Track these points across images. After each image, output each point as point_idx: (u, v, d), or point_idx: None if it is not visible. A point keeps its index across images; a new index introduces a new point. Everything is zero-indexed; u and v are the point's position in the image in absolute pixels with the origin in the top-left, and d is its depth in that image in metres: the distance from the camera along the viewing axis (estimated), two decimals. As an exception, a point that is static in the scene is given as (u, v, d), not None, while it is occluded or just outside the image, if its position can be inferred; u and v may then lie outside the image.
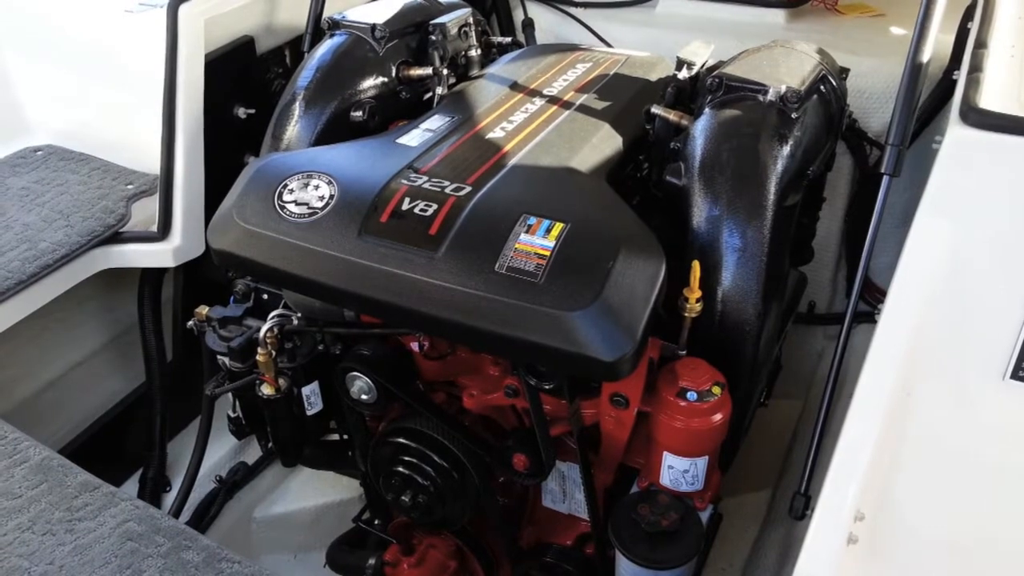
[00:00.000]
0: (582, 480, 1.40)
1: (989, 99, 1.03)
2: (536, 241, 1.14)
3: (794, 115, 1.29)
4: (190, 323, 1.54)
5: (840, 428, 1.05)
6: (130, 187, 1.78)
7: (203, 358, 1.59)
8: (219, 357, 1.50)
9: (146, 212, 1.76)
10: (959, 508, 1.06)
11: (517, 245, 1.14)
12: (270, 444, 1.57)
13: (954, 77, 1.43)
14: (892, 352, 1.06)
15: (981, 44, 1.18)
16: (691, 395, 1.22)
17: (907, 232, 1.08)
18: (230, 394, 1.54)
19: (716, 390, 1.23)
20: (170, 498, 1.88)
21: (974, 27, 1.30)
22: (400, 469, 1.45)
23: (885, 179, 1.19)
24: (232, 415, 1.59)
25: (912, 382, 1.06)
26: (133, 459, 1.92)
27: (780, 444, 1.92)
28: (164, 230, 1.73)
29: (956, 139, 1.02)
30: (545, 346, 1.10)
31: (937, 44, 1.20)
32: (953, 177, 1.05)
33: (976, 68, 1.11)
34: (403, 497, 1.45)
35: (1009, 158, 1.01)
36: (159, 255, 1.74)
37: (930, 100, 1.80)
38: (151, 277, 1.83)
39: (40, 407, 1.81)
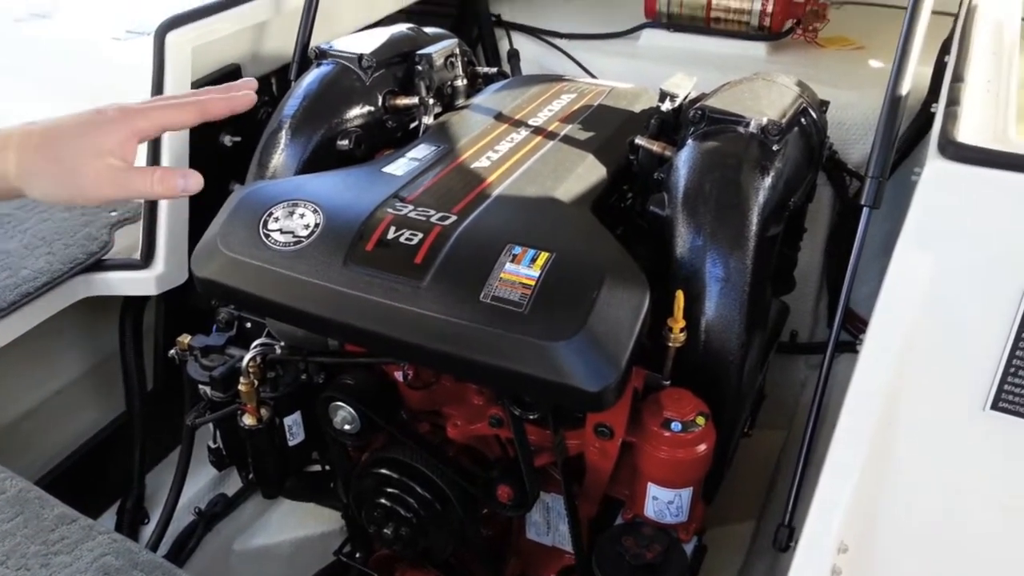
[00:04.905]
0: (566, 512, 1.39)
1: (967, 132, 1.05)
2: (521, 271, 1.14)
3: (775, 147, 1.30)
4: (172, 352, 1.52)
5: (823, 458, 1.05)
6: (114, 214, 1.78)
7: (184, 388, 1.57)
8: (200, 387, 1.48)
9: (130, 239, 1.76)
10: (942, 540, 1.06)
11: (502, 275, 1.14)
12: (251, 475, 1.55)
13: (932, 110, 1.46)
14: (874, 382, 1.07)
15: (958, 78, 1.21)
16: (675, 425, 1.22)
17: (888, 262, 1.09)
18: (211, 424, 1.52)
19: (700, 420, 1.23)
20: (148, 530, 1.85)
21: (951, 61, 1.32)
22: (383, 500, 1.44)
23: (865, 210, 1.20)
24: (212, 446, 1.57)
25: (894, 412, 1.07)
26: (111, 491, 1.89)
27: (764, 474, 1.92)
28: (147, 258, 1.72)
29: (935, 172, 1.03)
30: (530, 376, 1.09)
31: (916, 76, 1.22)
32: (932, 209, 1.06)
33: (954, 102, 1.13)
34: (385, 529, 1.43)
35: (987, 190, 1.02)
36: (141, 283, 1.73)
37: (909, 132, 1.83)
38: (133, 305, 1.81)
39: (17, 437, 1.78)
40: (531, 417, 1.26)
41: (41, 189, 0.93)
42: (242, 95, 1.00)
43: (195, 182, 0.94)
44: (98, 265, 1.70)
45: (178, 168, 0.94)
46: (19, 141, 0.92)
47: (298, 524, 1.98)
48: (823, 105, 1.53)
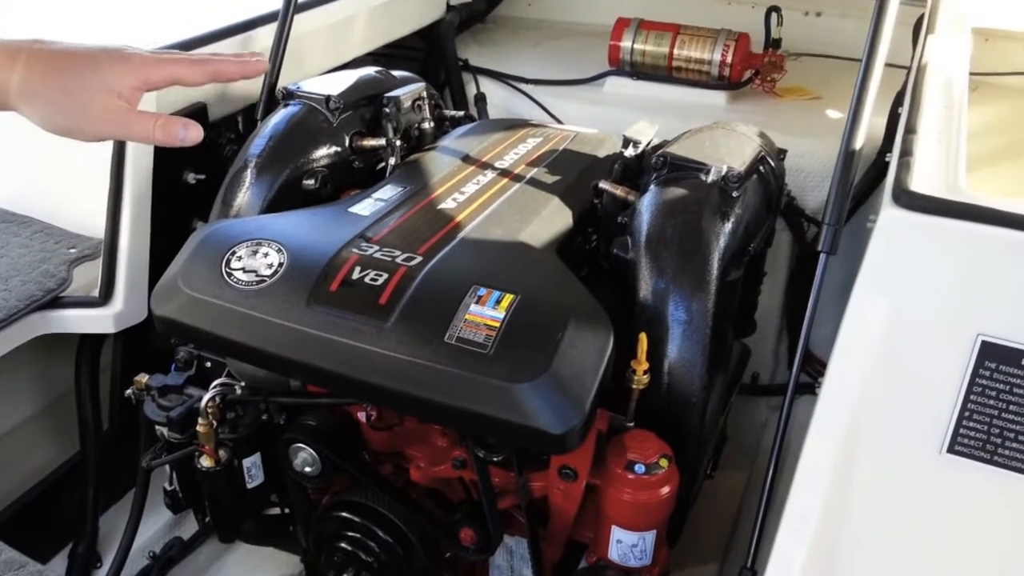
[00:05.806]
0: (530, 555, 1.38)
1: (919, 182, 1.09)
2: (486, 312, 1.15)
3: (735, 194, 1.33)
4: (128, 391, 1.49)
5: (785, 500, 1.06)
6: (73, 251, 1.75)
7: (141, 428, 1.54)
8: (157, 427, 1.45)
9: (89, 276, 1.73)
10: (901, 582, 1.07)
11: (467, 316, 1.14)
12: (207, 518, 1.52)
13: (887, 159, 1.50)
14: (833, 426, 1.08)
15: (911, 130, 1.25)
16: (639, 468, 1.22)
17: (845, 306, 1.11)
18: (167, 466, 1.49)
19: (663, 462, 1.24)
20: (101, 575, 1.79)
21: (904, 112, 1.37)
22: (343, 544, 1.41)
23: (822, 256, 1.23)
24: (168, 488, 1.53)
25: (853, 455, 1.08)
26: (63, 533, 1.83)
27: (727, 516, 1.92)
28: (106, 295, 1.69)
29: (889, 220, 1.07)
30: (494, 418, 1.09)
31: (870, 127, 1.26)
32: (887, 255, 1.09)
33: (907, 152, 1.17)
34: (345, 574, 1.41)
35: (938, 238, 1.06)
36: (99, 321, 1.70)
37: (864, 180, 1.88)
38: (90, 343, 1.78)
39: (-34, 479, 1.73)
40: (495, 459, 1.26)
41: (40, 114, 0.90)
42: (255, 62, 0.98)
43: (195, 133, 0.92)
44: (55, 302, 1.66)
45: (180, 118, 0.93)
46: (27, 59, 0.88)
47: (255, 569, 1.93)
48: (781, 153, 1.58)
